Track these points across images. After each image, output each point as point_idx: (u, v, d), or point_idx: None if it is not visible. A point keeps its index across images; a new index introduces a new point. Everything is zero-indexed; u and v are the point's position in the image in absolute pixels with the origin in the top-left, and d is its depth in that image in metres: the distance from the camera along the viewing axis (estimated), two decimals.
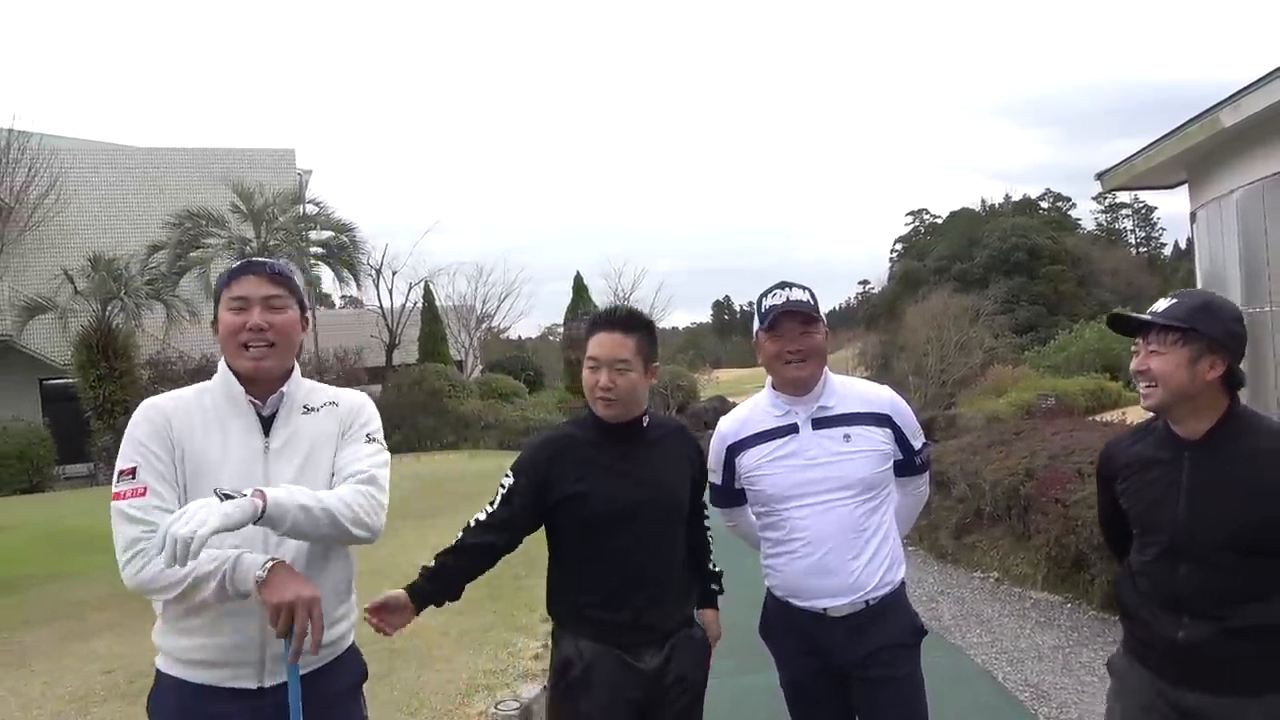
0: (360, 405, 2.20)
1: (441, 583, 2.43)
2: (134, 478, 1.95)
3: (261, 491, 1.86)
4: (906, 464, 2.63)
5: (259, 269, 2.11)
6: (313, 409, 2.13)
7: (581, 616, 2.44)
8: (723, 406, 27.87)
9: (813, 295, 2.55)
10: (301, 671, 1.98)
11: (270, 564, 1.90)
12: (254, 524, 1.84)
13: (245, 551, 1.92)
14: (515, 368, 29.15)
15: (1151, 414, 2.21)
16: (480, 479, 13.95)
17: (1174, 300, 2.11)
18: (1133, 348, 2.16)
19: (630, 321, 2.45)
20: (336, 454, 2.11)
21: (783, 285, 2.55)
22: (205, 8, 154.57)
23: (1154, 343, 2.08)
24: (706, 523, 2.68)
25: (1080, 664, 4.84)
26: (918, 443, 2.64)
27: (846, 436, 2.51)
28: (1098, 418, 11.90)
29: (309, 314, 2.24)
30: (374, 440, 2.16)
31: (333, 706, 2.08)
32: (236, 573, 1.89)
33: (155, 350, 20.36)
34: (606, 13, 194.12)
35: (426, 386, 22.54)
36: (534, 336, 46.57)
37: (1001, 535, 7.36)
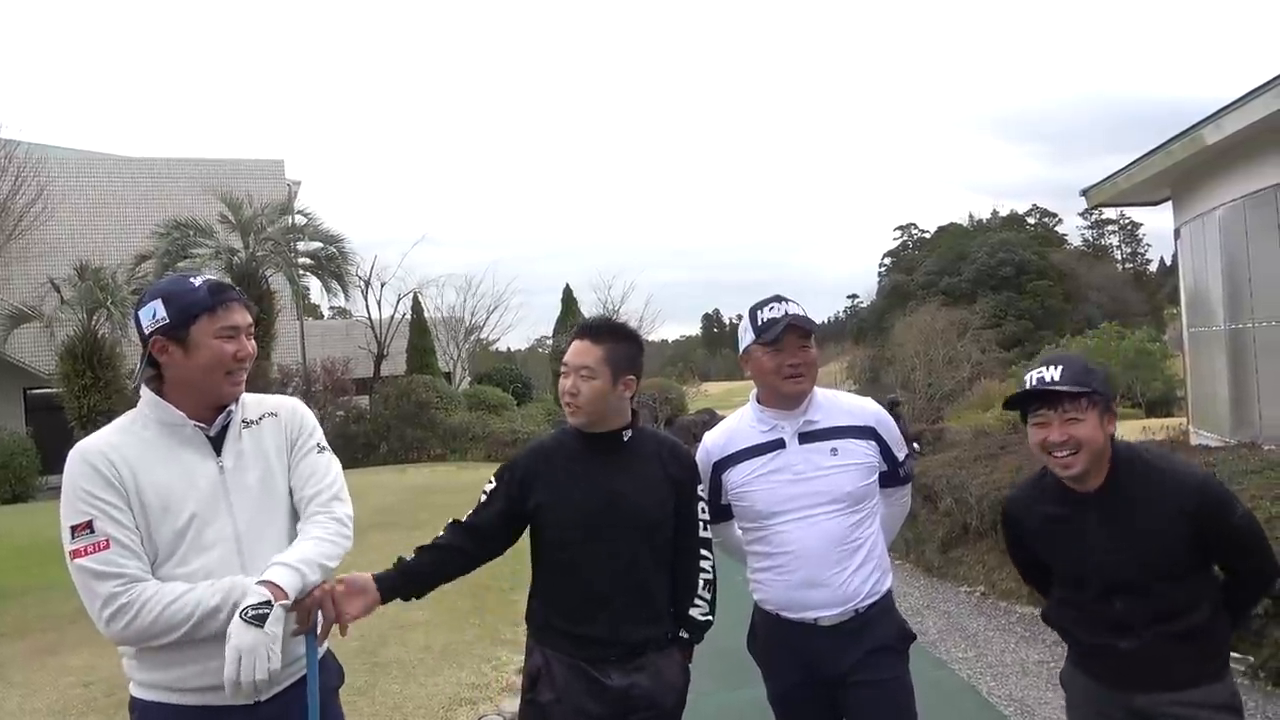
0: (301, 414, 2.21)
1: (412, 579, 2.39)
2: (91, 531, 1.88)
3: (278, 588, 1.88)
4: (891, 475, 2.64)
5: (238, 296, 2.09)
6: (252, 422, 2.13)
7: (550, 627, 2.44)
8: (711, 419, 27.82)
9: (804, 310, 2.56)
10: (294, 678, 2.05)
11: None
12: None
13: (240, 578, 1.93)
14: (504, 379, 29.07)
15: (1042, 466, 2.29)
16: (468, 491, 13.85)
17: (1060, 368, 2.16)
18: (1035, 421, 2.18)
19: (599, 330, 2.47)
20: (291, 469, 2.13)
21: (779, 299, 2.54)
22: (194, 18, 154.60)
23: (1070, 410, 2.13)
24: (705, 562, 2.52)
25: None
26: (901, 454, 2.66)
27: (833, 450, 2.52)
28: None
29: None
30: (324, 450, 2.19)
31: (324, 705, 2.13)
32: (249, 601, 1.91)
33: None
34: (598, 26, 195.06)
35: (414, 398, 22.45)
36: (523, 348, 46.50)
37: (987, 549, 7.36)
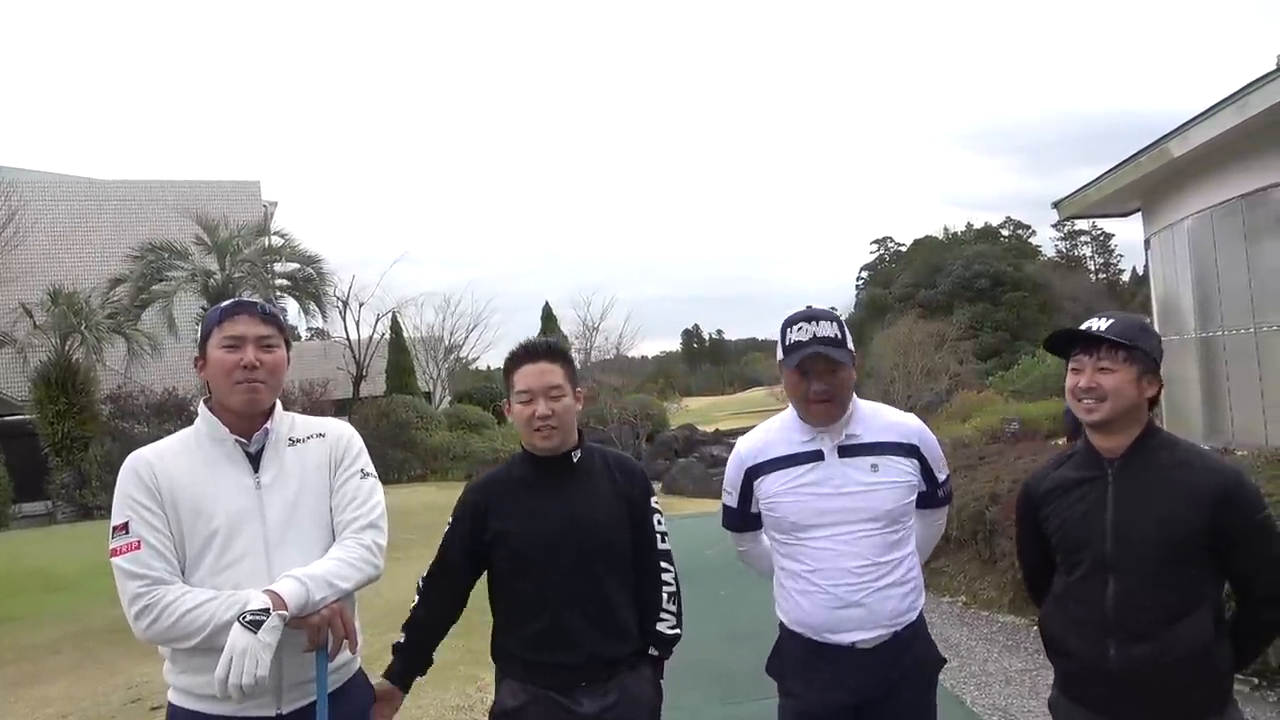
0: (348, 438, 2.27)
1: (416, 654, 2.45)
2: (127, 532, 2.00)
3: (279, 598, 1.92)
4: (929, 496, 2.53)
5: (251, 309, 2.16)
6: (298, 441, 2.19)
7: (513, 657, 2.41)
8: (693, 434, 27.83)
9: (840, 325, 2.40)
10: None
11: None
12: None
13: (253, 592, 1.97)
14: (484, 398, 28.93)
15: (1069, 440, 2.27)
16: (449, 512, 13.77)
17: (1112, 320, 2.14)
18: (1073, 366, 2.16)
19: (553, 350, 2.49)
20: (332, 491, 2.17)
21: (809, 317, 2.38)
22: (168, 39, 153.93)
23: (1105, 359, 2.10)
24: (667, 575, 2.49)
25: (1047, 686, 4.81)
26: (941, 475, 2.55)
27: (874, 466, 2.40)
28: (1060, 441, 12.08)
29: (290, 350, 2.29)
30: (367, 475, 2.24)
31: None
32: None
33: (116, 385, 19.98)
34: (577, 44, 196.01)
35: (394, 418, 22.33)
36: (502, 367, 46.33)
37: (968, 559, 7.40)
